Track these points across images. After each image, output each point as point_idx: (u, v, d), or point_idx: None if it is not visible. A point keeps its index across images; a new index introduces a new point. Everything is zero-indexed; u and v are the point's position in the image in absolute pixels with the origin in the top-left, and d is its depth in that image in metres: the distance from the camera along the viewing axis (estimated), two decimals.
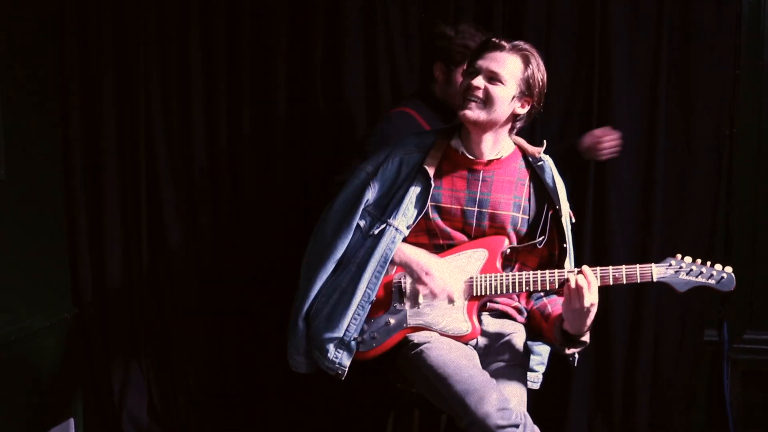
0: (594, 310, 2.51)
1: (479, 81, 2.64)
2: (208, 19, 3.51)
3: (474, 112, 2.64)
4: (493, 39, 2.68)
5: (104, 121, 3.57)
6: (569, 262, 2.75)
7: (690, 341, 3.46)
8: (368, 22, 3.45)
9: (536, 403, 3.25)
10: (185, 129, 3.57)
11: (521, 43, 2.66)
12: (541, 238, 2.72)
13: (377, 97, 3.46)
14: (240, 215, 3.59)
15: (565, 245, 2.74)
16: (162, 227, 3.61)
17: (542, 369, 2.91)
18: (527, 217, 2.75)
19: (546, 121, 3.38)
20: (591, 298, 2.48)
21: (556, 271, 2.61)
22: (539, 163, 2.76)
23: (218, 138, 3.57)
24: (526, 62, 2.64)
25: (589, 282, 2.49)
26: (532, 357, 2.88)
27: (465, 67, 2.73)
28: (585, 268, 2.52)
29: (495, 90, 2.63)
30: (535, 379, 2.88)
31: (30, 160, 3.41)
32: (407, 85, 3.43)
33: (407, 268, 2.72)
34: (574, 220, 2.81)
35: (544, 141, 2.78)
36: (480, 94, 2.63)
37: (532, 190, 2.76)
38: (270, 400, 3.64)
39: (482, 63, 2.65)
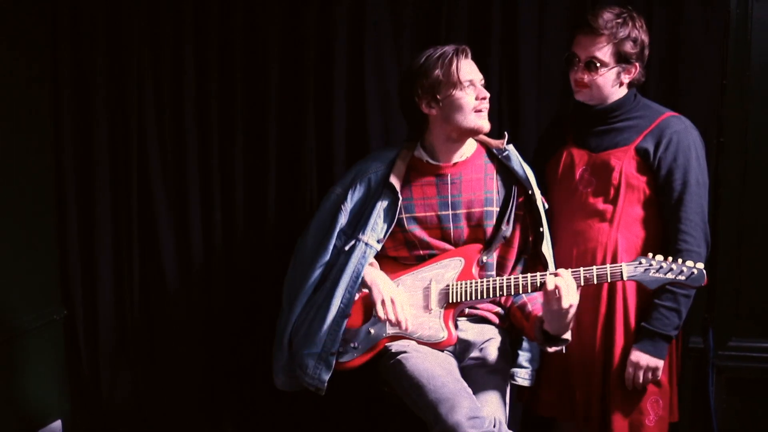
0: (573, 311, 2.54)
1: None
2: (201, 28, 3.52)
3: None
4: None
5: (96, 121, 3.58)
6: (546, 247, 2.79)
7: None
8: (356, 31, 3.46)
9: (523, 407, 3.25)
10: (177, 132, 3.58)
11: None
12: (506, 228, 2.76)
13: (363, 122, 3.48)
14: (232, 222, 3.60)
15: (541, 230, 2.78)
16: (153, 232, 3.61)
17: (533, 366, 2.93)
18: (499, 209, 2.79)
19: (535, 128, 3.40)
20: (570, 300, 2.51)
21: (529, 275, 2.65)
22: (504, 154, 2.80)
23: (210, 146, 3.57)
24: None
25: (567, 283, 2.52)
26: (521, 353, 2.91)
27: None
28: (562, 270, 2.56)
29: None
30: (525, 376, 2.91)
31: (21, 162, 3.43)
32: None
33: (371, 293, 2.75)
34: (547, 206, 2.85)
35: (505, 132, 2.86)
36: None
37: (499, 182, 2.80)
38: (258, 403, 3.65)
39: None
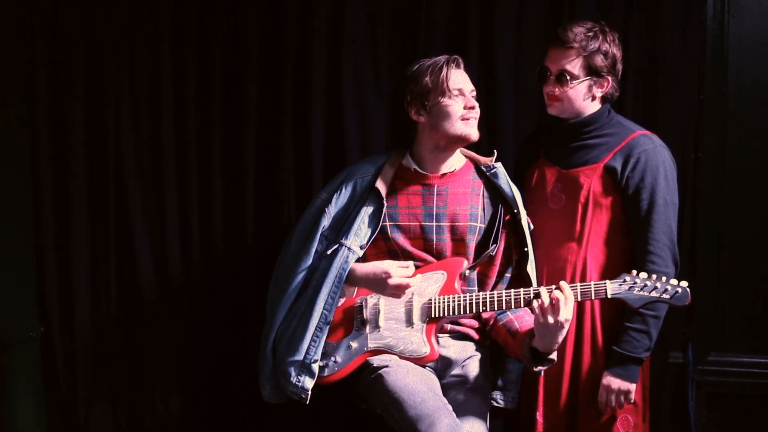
0: (567, 327, 2.52)
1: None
2: (179, 44, 3.51)
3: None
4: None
5: (73, 134, 3.56)
6: (530, 267, 2.78)
7: (655, 363, 3.36)
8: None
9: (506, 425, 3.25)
10: (155, 145, 3.56)
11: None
12: (493, 246, 2.75)
13: (341, 133, 3.48)
14: (210, 235, 3.57)
15: (525, 249, 2.76)
16: (131, 247, 3.58)
17: (515, 388, 2.92)
18: (484, 226, 2.79)
19: (512, 142, 3.41)
20: (566, 314, 2.49)
21: (512, 290, 2.62)
22: (492, 171, 2.80)
23: (188, 158, 3.55)
24: None
25: (566, 296, 2.50)
26: (504, 375, 2.89)
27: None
28: (563, 283, 2.54)
29: None
30: (506, 398, 2.89)
31: None
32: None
33: (368, 282, 2.74)
34: (532, 226, 2.84)
35: (494, 150, 2.87)
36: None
37: (486, 199, 2.80)
38: (239, 420, 3.61)
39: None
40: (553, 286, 2.55)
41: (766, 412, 3.51)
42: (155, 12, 3.48)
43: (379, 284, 2.71)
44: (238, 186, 3.54)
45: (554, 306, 2.49)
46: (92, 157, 3.58)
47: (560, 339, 2.54)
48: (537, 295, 2.54)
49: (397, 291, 2.69)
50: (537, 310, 2.52)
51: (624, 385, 2.80)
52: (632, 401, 2.83)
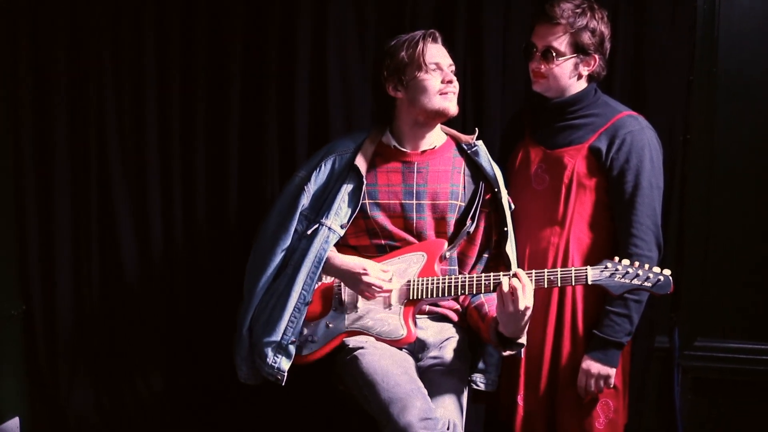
0: (529, 314, 2.49)
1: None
2: (162, 22, 3.49)
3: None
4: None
5: (56, 117, 3.53)
6: (510, 247, 2.76)
7: (640, 348, 3.39)
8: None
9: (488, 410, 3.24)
10: (137, 126, 3.54)
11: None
12: (469, 223, 2.73)
13: (325, 115, 3.47)
14: (193, 216, 3.57)
15: (505, 229, 2.75)
16: (113, 226, 3.57)
17: (495, 371, 2.89)
18: (464, 205, 2.77)
19: (499, 121, 3.39)
20: (525, 302, 2.46)
21: (491, 274, 2.60)
22: (473, 149, 2.78)
23: (170, 140, 3.54)
24: None
25: (523, 284, 2.47)
26: (485, 358, 2.87)
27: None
28: (519, 270, 2.51)
29: None
30: (485, 380, 2.87)
31: None
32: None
33: (343, 274, 2.72)
34: (513, 206, 2.82)
35: (476, 128, 2.84)
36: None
37: (467, 177, 2.77)
38: (219, 402, 3.60)
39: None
40: (512, 272, 2.53)
41: (753, 397, 3.51)
42: None
43: (354, 278, 2.69)
44: (221, 167, 3.52)
45: (513, 295, 2.46)
46: (75, 139, 3.56)
47: (523, 325, 2.52)
48: (499, 284, 2.52)
49: (369, 290, 2.67)
50: (498, 298, 2.51)
51: (604, 369, 2.78)
52: (612, 386, 2.81)
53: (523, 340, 2.59)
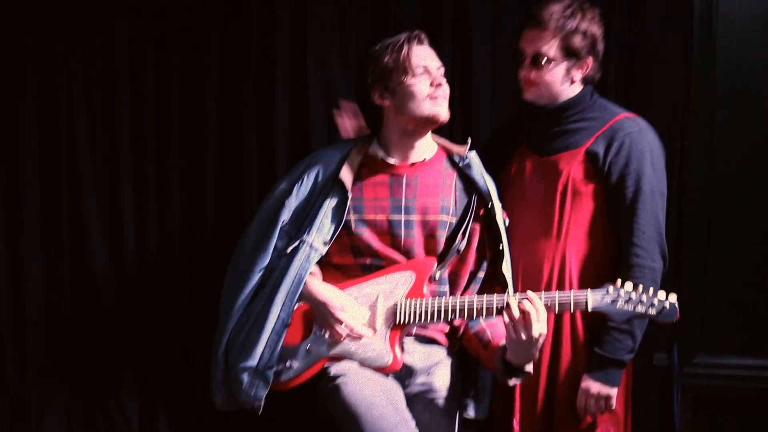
0: (542, 341, 2.40)
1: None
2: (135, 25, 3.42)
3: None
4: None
5: (25, 122, 3.44)
6: (506, 266, 2.68)
7: (638, 365, 3.27)
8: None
9: None
10: (110, 131, 3.45)
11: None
12: (460, 240, 2.64)
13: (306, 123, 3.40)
14: (169, 229, 3.48)
15: (501, 247, 2.66)
16: (84, 239, 3.46)
17: (487, 398, 2.80)
18: (455, 221, 2.68)
19: (489, 129, 3.34)
20: (539, 328, 2.36)
21: (490, 296, 2.48)
22: (465, 161, 2.70)
23: (145, 146, 3.45)
24: None
25: (537, 309, 2.37)
26: (475, 383, 2.78)
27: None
28: (530, 293, 2.41)
29: None
30: (482, 409, 2.77)
31: None
32: None
33: (318, 305, 2.61)
34: (508, 222, 2.73)
35: (468, 138, 2.74)
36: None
37: (459, 192, 2.69)
38: (198, 422, 3.48)
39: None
40: (520, 295, 2.42)
41: (755, 415, 3.46)
42: None
43: (326, 313, 2.58)
44: (198, 180, 3.44)
45: (526, 321, 2.36)
46: (44, 146, 3.47)
47: (536, 353, 2.42)
48: (506, 307, 2.41)
49: (339, 329, 2.56)
50: (507, 324, 2.40)
51: (604, 389, 2.67)
52: (613, 407, 2.71)
53: (530, 368, 2.49)
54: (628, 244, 2.67)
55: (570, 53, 2.71)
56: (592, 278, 2.64)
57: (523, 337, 2.36)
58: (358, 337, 2.56)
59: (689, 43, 3.29)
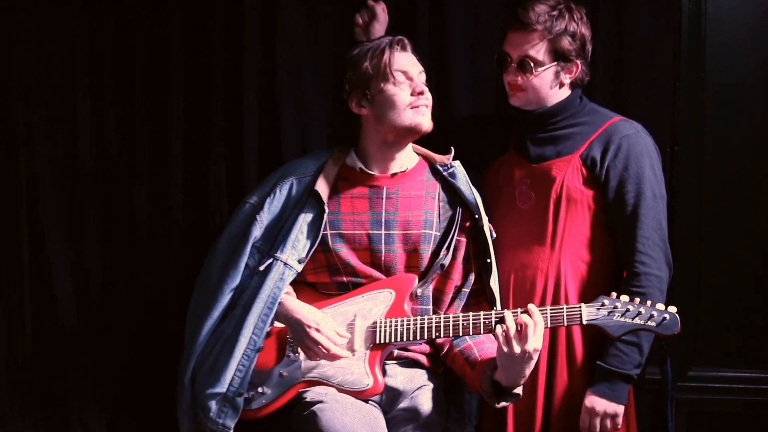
0: (536, 357, 2.33)
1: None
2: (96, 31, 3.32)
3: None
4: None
5: None
6: (494, 281, 2.60)
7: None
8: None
9: None
10: (70, 136, 3.34)
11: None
12: (444, 254, 2.57)
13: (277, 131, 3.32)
14: (133, 250, 3.38)
15: (488, 260, 2.59)
16: (47, 272, 3.36)
17: (472, 422, 2.73)
18: (439, 234, 2.62)
19: None
20: (535, 343, 2.30)
21: (474, 314, 2.42)
22: (450, 170, 2.64)
23: (108, 160, 3.35)
24: None
25: (535, 322, 2.31)
26: (461, 406, 2.71)
27: None
28: (531, 306, 2.35)
29: None
30: None
31: None
32: None
33: (292, 323, 2.53)
34: (495, 235, 2.67)
35: (451, 147, 2.67)
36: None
37: (442, 203, 2.63)
38: None
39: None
40: (519, 310, 2.35)
41: (752, 430, 3.41)
42: None
43: (301, 331, 2.49)
44: (162, 192, 3.35)
45: (521, 333, 2.29)
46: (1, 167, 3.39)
47: (527, 372, 2.34)
48: (501, 320, 2.33)
49: (315, 348, 2.46)
50: (501, 338, 2.32)
51: (611, 407, 2.59)
52: (619, 426, 2.64)
53: (519, 390, 2.41)
54: (632, 252, 2.61)
55: (558, 56, 2.65)
56: (590, 291, 2.59)
57: (517, 351, 2.29)
58: (334, 358, 2.47)
59: (677, 43, 3.25)
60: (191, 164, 3.33)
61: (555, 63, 2.65)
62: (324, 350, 2.45)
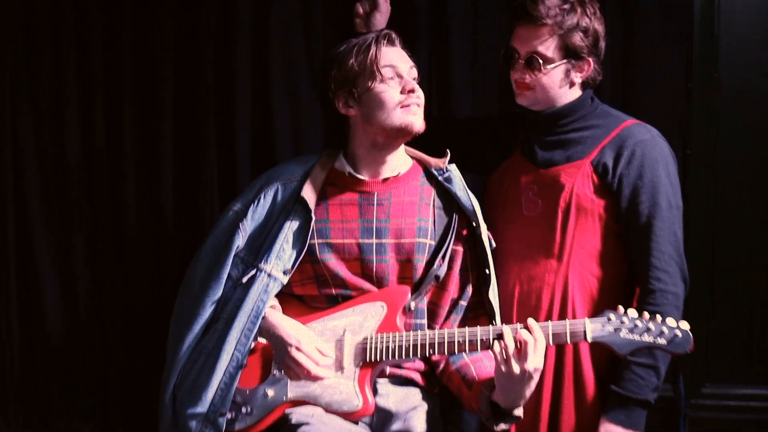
0: (537, 377, 2.25)
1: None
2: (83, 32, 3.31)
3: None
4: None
5: None
6: (492, 294, 2.52)
7: None
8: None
9: None
10: (58, 143, 3.33)
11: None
12: (439, 264, 2.49)
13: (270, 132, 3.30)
14: (123, 256, 3.35)
15: (487, 271, 2.51)
16: (35, 276, 3.35)
17: None
18: (435, 243, 2.54)
19: None
20: (535, 362, 2.22)
21: (472, 329, 2.33)
22: (445, 174, 2.57)
23: (96, 167, 3.33)
24: None
25: (535, 339, 2.23)
26: (458, 426, 2.69)
27: None
28: (531, 321, 2.27)
29: None
30: None
31: None
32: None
33: (274, 340, 2.45)
34: (494, 245, 2.60)
35: (447, 150, 2.60)
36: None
37: (438, 210, 2.56)
38: None
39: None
40: (519, 325, 2.27)
41: None
42: None
43: (282, 349, 2.41)
44: (153, 194, 3.33)
45: (520, 351, 2.21)
46: None
47: (528, 393, 2.25)
48: (499, 336, 2.25)
49: (295, 368, 2.39)
50: (499, 356, 2.23)
51: None
52: None
53: (519, 412, 2.32)
54: (646, 267, 2.54)
55: (569, 53, 2.58)
56: (600, 308, 2.47)
57: (516, 371, 2.21)
58: (316, 379, 2.39)
59: (689, 42, 3.21)
60: (182, 165, 3.31)
61: (565, 60, 2.58)
62: (304, 371, 2.38)
